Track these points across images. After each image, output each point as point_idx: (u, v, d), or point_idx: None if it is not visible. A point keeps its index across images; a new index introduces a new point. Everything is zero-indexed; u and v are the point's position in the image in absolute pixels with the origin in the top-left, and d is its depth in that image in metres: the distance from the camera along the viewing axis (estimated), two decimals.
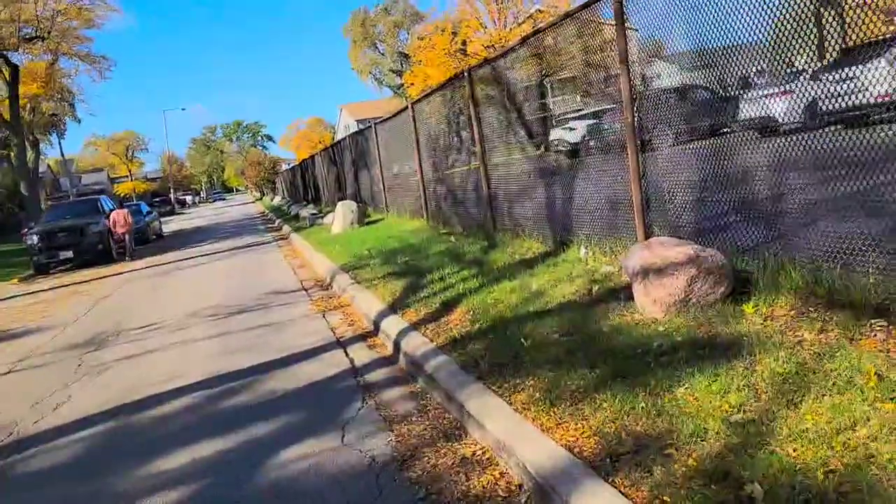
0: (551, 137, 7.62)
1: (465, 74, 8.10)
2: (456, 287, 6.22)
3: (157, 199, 73.18)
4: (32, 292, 14.54)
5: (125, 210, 22.06)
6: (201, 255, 16.83)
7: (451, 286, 6.35)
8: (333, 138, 68.25)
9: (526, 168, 7.24)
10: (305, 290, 9.10)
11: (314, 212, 21.66)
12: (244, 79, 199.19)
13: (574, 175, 6.26)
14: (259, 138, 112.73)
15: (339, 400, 4.42)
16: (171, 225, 39.14)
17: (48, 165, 72.53)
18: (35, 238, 18.67)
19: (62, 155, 36.37)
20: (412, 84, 55.32)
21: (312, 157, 28.60)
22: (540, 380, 3.60)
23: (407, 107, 11.36)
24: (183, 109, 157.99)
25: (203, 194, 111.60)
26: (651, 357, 3.48)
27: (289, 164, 58.20)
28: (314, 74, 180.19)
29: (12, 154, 28.85)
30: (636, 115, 5.01)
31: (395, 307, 6.17)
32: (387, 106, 45.03)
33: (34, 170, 31.63)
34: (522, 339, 4.26)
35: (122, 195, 71.14)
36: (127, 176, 79.16)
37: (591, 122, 6.14)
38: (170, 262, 16.40)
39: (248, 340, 6.56)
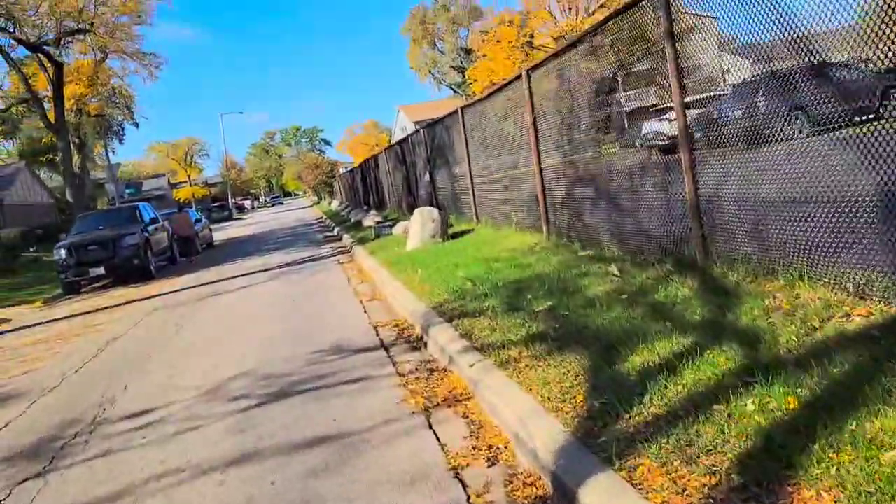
0: None
1: None
2: (730, 409, 2.86)
3: (215, 205, 72.38)
4: (45, 322, 11.92)
5: (187, 214, 21.69)
6: (248, 273, 13.99)
7: (705, 396, 3.01)
8: (390, 140, 65.69)
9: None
10: (385, 346, 5.92)
11: (379, 219, 18.65)
12: (303, 85, 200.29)
13: None
14: (316, 142, 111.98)
15: None
16: (226, 231, 37.03)
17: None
18: (63, 253, 16.22)
19: (108, 159, 34.57)
20: (475, 80, 52.47)
21: (375, 157, 25.67)
22: None
23: (519, 76, 8.09)
24: (241, 113, 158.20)
25: (262, 198, 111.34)
26: None
27: (346, 168, 55.85)
28: (371, 77, 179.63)
29: (56, 158, 27.08)
30: None
31: (593, 438, 2.89)
32: (446, 106, 42.04)
33: (81, 175, 29.77)
34: None
35: (181, 200, 70.54)
36: (186, 181, 78.67)
37: None
38: (211, 283, 13.60)
39: (291, 489, 3.39)
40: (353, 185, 36.77)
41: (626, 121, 5.71)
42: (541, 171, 7.92)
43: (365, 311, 7.75)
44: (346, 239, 17.59)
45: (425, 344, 5.71)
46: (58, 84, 26.06)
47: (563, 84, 6.90)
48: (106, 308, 12.46)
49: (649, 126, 6.51)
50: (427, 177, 15.31)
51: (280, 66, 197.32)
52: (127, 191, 45.29)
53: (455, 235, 11.28)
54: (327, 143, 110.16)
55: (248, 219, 58.45)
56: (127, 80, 35.88)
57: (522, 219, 9.00)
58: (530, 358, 4.17)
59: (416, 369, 5.04)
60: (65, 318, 12.04)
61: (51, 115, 27.43)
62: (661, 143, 6.15)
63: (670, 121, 6.32)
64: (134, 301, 12.82)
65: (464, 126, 11.16)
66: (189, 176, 78.83)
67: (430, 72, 70.01)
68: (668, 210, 5.16)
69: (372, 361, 5.47)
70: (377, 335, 6.41)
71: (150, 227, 17.99)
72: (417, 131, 15.40)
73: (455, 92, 66.74)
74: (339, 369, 5.39)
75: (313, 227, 29.07)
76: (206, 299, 11.30)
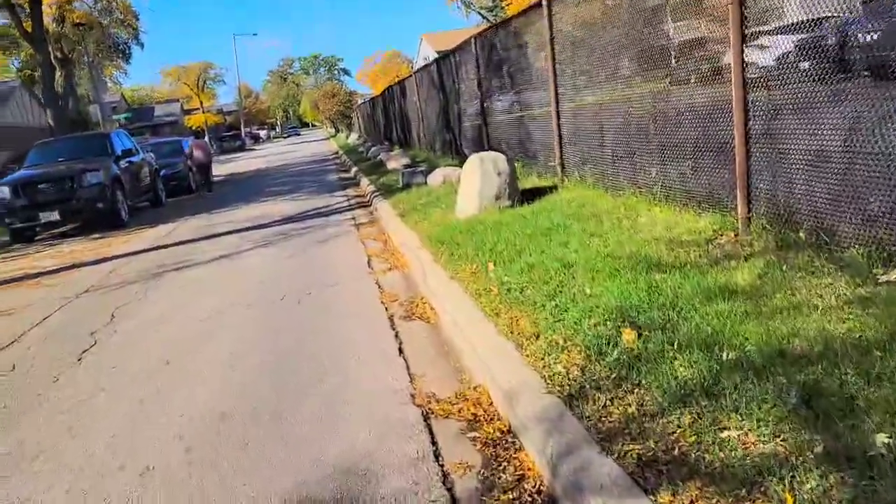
0: None
1: None
2: None
3: (227, 134, 68.22)
4: None
5: (202, 141, 20.35)
6: (237, 231, 10.49)
7: None
8: (411, 70, 60.28)
9: None
10: None
11: (407, 161, 14.84)
12: (324, 10, 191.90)
13: None
14: (335, 72, 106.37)
15: None
16: (232, 164, 33.42)
17: (122, 95, 68.43)
18: (6, 191, 12.69)
19: (93, 75, 30.55)
20: (510, 2, 47.19)
21: (401, 82, 21.56)
22: None
23: None
24: (255, 35, 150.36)
25: (278, 128, 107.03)
26: None
27: (364, 99, 51.25)
28: (395, 3, 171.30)
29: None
30: None
31: None
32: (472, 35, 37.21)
33: (63, 95, 26.00)
34: None
35: (193, 128, 66.52)
36: (199, 108, 74.31)
37: None
38: (185, 242, 10.12)
39: None
40: (372, 117, 32.70)
41: None
42: (744, 87, 4.10)
43: (401, 353, 4.15)
44: (366, 184, 13.87)
45: None
46: None
47: None
48: (36, 276, 9.05)
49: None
50: (476, 107, 11.41)
51: None
52: (119, 116, 41.14)
53: (528, 196, 7.51)
54: (346, 73, 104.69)
55: (261, 150, 54.68)
56: None
57: (678, 181, 5.22)
58: None
59: None
60: None
61: (28, 26, 23.58)
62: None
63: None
64: (79, 266, 9.38)
65: (550, 25, 7.24)
66: (202, 102, 74.41)
67: None
68: None
69: None
70: (436, 459, 2.81)
71: (124, 162, 14.35)
72: (465, 45, 11.42)
73: (485, 18, 61.18)
74: None
75: (328, 163, 25.35)
76: (163, 275, 7.80)
